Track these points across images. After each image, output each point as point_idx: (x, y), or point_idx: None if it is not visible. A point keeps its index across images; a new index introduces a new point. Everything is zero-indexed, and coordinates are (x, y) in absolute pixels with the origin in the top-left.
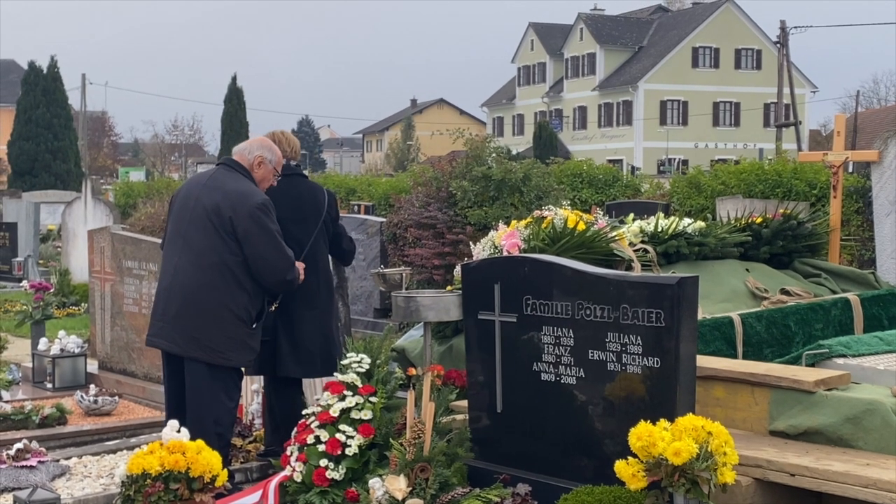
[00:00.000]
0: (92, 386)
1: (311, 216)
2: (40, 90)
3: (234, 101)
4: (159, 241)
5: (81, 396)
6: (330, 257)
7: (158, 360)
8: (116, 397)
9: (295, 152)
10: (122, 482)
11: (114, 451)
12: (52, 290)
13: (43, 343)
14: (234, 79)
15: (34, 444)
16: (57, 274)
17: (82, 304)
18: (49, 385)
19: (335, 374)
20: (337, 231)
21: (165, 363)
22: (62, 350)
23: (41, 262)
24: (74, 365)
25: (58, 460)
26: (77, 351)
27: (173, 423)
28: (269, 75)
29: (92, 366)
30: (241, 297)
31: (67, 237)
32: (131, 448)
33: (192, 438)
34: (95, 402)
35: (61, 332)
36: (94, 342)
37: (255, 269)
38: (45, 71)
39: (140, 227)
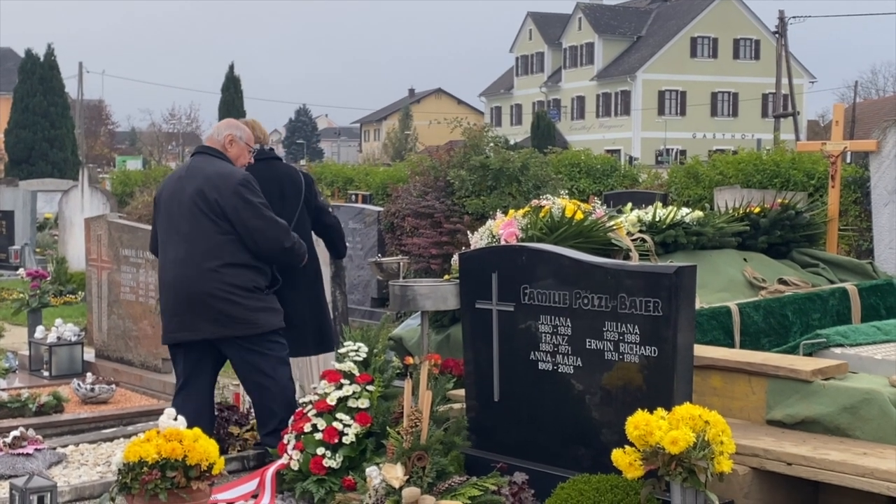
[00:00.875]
0: (89, 374)
1: (292, 196)
2: (37, 78)
3: (232, 90)
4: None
5: (78, 384)
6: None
7: (155, 348)
8: (113, 385)
9: (266, 137)
10: (119, 470)
11: (110, 439)
12: (48, 279)
13: (40, 331)
14: (231, 67)
15: (31, 432)
16: (54, 262)
17: (79, 293)
18: (46, 373)
19: (333, 355)
20: (318, 206)
21: (184, 359)
22: (59, 338)
23: (38, 250)
24: (71, 353)
25: (54, 448)
26: (74, 339)
27: (170, 412)
28: (266, 64)
29: (89, 354)
30: (245, 274)
31: (64, 225)
32: (128, 436)
33: (272, 403)
34: (92, 390)
35: (58, 321)
36: (90, 330)
37: (253, 244)
38: (41, 59)
39: (137, 215)
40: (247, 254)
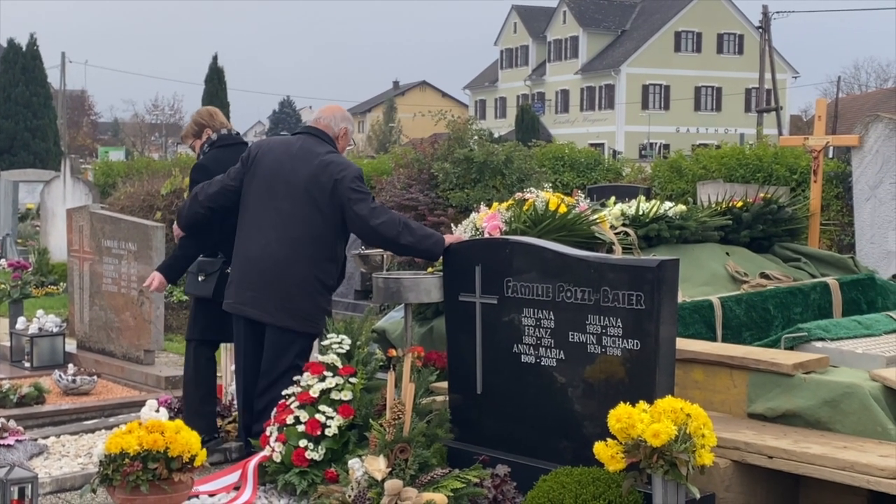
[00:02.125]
0: (70, 365)
1: None
2: (19, 68)
3: (215, 81)
4: (141, 220)
5: (60, 376)
6: None
7: (137, 339)
8: (95, 377)
9: (230, 125)
10: (100, 461)
11: (92, 431)
12: (30, 269)
13: (21, 322)
14: (215, 58)
15: (12, 423)
16: (35, 253)
17: (61, 284)
18: (27, 364)
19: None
20: None
21: (244, 331)
22: (40, 329)
23: (19, 241)
24: (53, 344)
25: (35, 439)
26: (55, 330)
27: (152, 403)
28: (250, 56)
29: (70, 345)
30: (330, 268)
31: (46, 216)
32: (109, 427)
33: (262, 396)
34: (74, 381)
35: (39, 312)
36: (72, 321)
37: (366, 238)
38: (24, 49)
39: (119, 206)
40: (339, 248)
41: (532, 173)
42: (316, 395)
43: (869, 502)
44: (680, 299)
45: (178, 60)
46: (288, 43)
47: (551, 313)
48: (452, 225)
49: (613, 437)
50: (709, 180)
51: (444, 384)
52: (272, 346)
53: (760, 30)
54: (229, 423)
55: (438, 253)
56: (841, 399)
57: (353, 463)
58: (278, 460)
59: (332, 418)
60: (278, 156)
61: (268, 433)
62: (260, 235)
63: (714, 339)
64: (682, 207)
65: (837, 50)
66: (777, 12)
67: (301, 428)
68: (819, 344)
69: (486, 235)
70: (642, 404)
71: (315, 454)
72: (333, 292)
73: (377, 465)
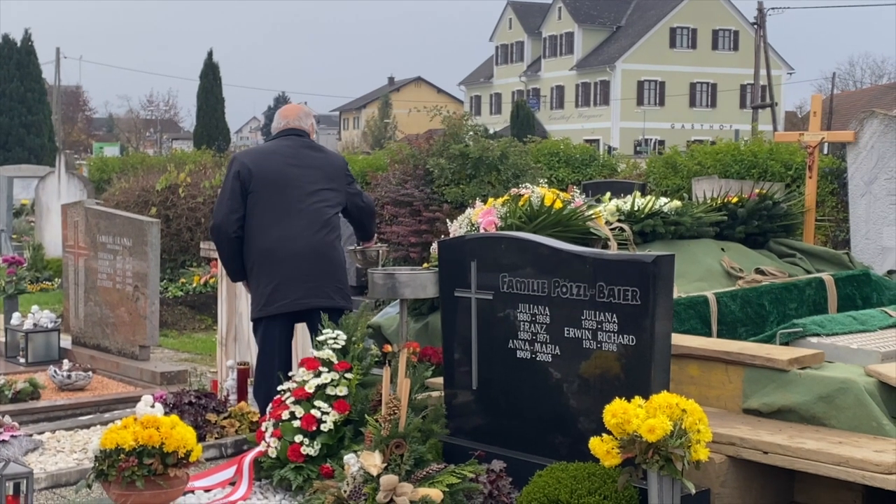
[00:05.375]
0: (65, 361)
1: None
2: (14, 64)
3: (210, 77)
4: (136, 216)
5: (55, 371)
6: None
7: (133, 335)
8: (90, 372)
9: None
10: (96, 457)
11: (87, 426)
12: (25, 265)
13: (16, 318)
14: (210, 54)
15: (7, 419)
16: (30, 248)
17: (56, 279)
18: (22, 360)
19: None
20: None
21: (280, 331)
22: (35, 325)
23: (14, 236)
24: (48, 340)
25: (31, 435)
26: (50, 326)
27: (147, 399)
28: (245, 51)
29: (65, 341)
30: (343, 251)
31: (41, 212)
32: (105, 423)
33: None
34: (69, 377)
35: (34, 307)
36: (67, 317)
37: (360, 216)
38: (18, 44)
39: (114, 202)
40: (339, 231)
41: (527, 169)
42: (311, 391)
43: (864, 497)
44: (675, 295)
45: (173, 56)
46: (283, 39)
47: (547, 309)
48: (448, 220)
49: (609, 433)
50: (704, 176)
51: (440, 380)
52: (314, 329)
53: (755, 26)
54: (225, 418)
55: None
56: (836, 394)
57: (349, 458)
58: (274, 456)
59: (327, 414)
60: (278, 160)
61: (263, 428)
62: (292, 231)
63: (709, 335)
64: (677, 203)
65: (832, 46)
66: (772, 8)
67: (296, 423)
68: (814, 339)
69: (482, 231)
70: (638, 400)
71: (310, 449)
72: None
73: (373, 461)
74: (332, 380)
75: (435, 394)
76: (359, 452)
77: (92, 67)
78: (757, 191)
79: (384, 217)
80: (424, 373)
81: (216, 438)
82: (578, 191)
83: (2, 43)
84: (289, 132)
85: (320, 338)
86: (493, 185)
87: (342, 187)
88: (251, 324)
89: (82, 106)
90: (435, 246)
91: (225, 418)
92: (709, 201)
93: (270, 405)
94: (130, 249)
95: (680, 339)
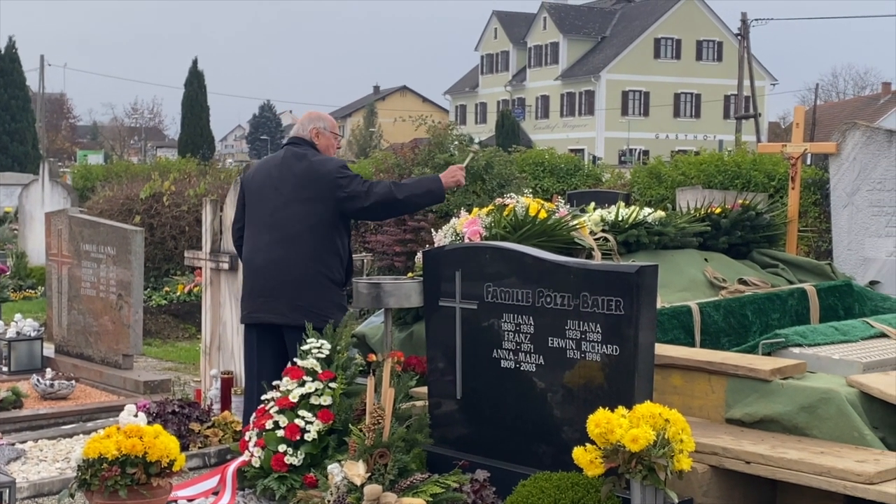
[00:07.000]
0: (48, 369)
1: None
2: None
3: (195, 85)
4: (120, 224)
5: (38, 380)
6: None
7: (116, 344)
8: (73, 381)
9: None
10: (79, 466)
11: (70, 436)
12: (8, 273)
13: None
14: (194, 62)
15: None
16: (13, 256)
17: (39, 288)
18: (4, 368)
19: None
20: None
21: (257, 340)
22: (18, 333)
23: None
24: (31, 348)
25: (13, 444)
26: (33, 334)
27: (130, 408)
28: (230, 59)
29: (48, 349)
30: (332, 262)
31: (24, 220)
32: (88, 432)
33: None
34: (52, 385)
35: (17, 315)
36: (50, 325)
37: (374, 215)
38: (2, 52)
39: (98, 210)
40: (340, 242)
41: (512, 179)
42: (295, 400)
43: None
44: (659, 305)
45: (157, 64)
46: (268, 47)
47: (531, 318)
48: (433, 230)
49: (592, 442)
50: (688, 186)
51: (424, 389)
52: (293, 347)
53: (739, 37)
54: (208, 427)
55: (440, 190)
56: (818, 405)
57: (333, 468)
58: (257, 465)
59: (311, 423)
60: (264, 170)
61: (247, 438)
62: (260, 244)
63: (692, 345)
64: (661, 213)
65: (816, 57)
66: (756, 19)
67: (280, 433)
68: (796, 350)
69: (467, 241)
70: (621, 409)
71: (294, 459)
72: (343, 286)
73: (356, 470)
74: (317, 389)
75: (419, 403)
76: (343, 462)
77: (76, 75)
78: (740, 201)
79: (369, 226)
80: (409, 382)
81: (200, 448)
82: (563, 200)
83: None
84: (289, 141)
85: (304, 347)
86: (478, 195)
87: (328, 195)
88: (234, 333)
89: (66, 113)
90: (420, 255)
91: (208, 427)
92: (692, 212)
93: (254, 415)
94: (114, 258)
95: (663, 349)
